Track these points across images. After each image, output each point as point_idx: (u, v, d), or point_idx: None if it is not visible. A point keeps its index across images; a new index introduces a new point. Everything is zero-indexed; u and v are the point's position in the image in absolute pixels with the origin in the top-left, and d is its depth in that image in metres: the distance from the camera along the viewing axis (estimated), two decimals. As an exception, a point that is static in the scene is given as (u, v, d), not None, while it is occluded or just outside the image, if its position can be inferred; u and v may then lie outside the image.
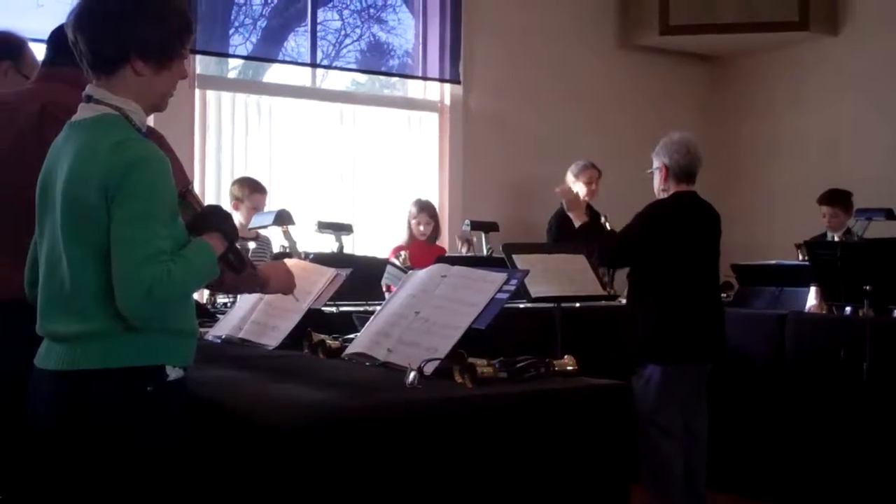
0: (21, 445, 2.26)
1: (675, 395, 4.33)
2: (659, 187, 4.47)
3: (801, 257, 5.62)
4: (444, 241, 6.97)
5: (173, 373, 2.08)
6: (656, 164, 4.47)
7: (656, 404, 4.28)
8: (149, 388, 2.03)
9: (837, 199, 6.35)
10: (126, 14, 2.06)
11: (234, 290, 3.09)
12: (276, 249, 5.30)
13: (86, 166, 2.00)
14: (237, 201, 5.80)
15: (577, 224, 4.61)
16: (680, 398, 4.35)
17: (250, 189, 5.84)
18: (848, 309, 4.97)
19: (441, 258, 5.09)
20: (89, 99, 2.11)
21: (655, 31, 7.86)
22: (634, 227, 4.38)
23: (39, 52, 3.12)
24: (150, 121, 2.23)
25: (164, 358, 2.07)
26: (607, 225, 4.95)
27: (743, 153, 8.34)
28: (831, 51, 7.77)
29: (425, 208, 6.37)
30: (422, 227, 6.31)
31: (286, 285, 2.65)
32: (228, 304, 4.21)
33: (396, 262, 5.12)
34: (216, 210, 2.25)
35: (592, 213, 6.17)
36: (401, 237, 6.44)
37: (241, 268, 2.24)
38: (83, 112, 2.12)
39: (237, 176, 6.38)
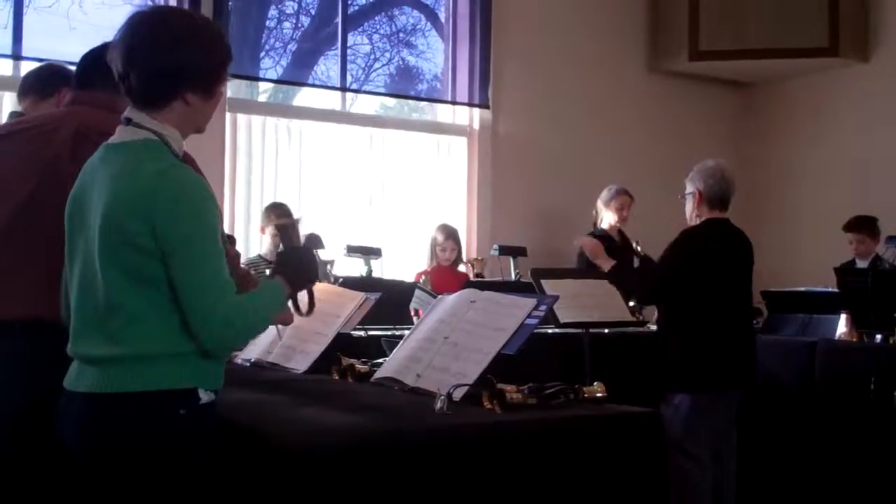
0: (49, 467, 2.26)
1: (705, 422, 4.29)
2: (691, 213, 4.43)
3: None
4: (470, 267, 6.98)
5: (205, 396, 2.07)
6: (690, 189, 4.44)
7: (686, 432, 4.24)
8: (182, 411, 2.03)
9: (863, 226, 6.30)
10: (179, 47, 2.07)
11: None
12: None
13: (128, 192, 2.01)
14: (263, 226, 5.87)
15: (605, 269, 4.54)
16: (710, 426, 4.31)
17: (276, 215, 5.89)
18: (878, 336, 4.93)
19: (469, 283, 5.10)
20: (129, 122, 2.11)
21: (685, 56, 7.85)
22: (668, 260, 4.34)
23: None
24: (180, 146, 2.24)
25: (197, 381, 2.06)
26: (639, 248, 4.91)
27: (772, 179, 8.30)
28: (862, 77, 7.73)
29: (451, 234, 6.38)
30: (447, 253, 6.32)
31: (286, 318, 2.75)
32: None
33: (424, 287, 5.12)
34: (305, 253, 2.32)
35: (624, 240, 6.17)
36: (425, 262, 6.45)
37: (308, 312, 2.30)
38: (122, 135, 2.12)
39: (267, 199, 6.43)
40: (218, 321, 2.00)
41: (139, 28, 2.09)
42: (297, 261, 2.28)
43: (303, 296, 2.33)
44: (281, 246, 2.38)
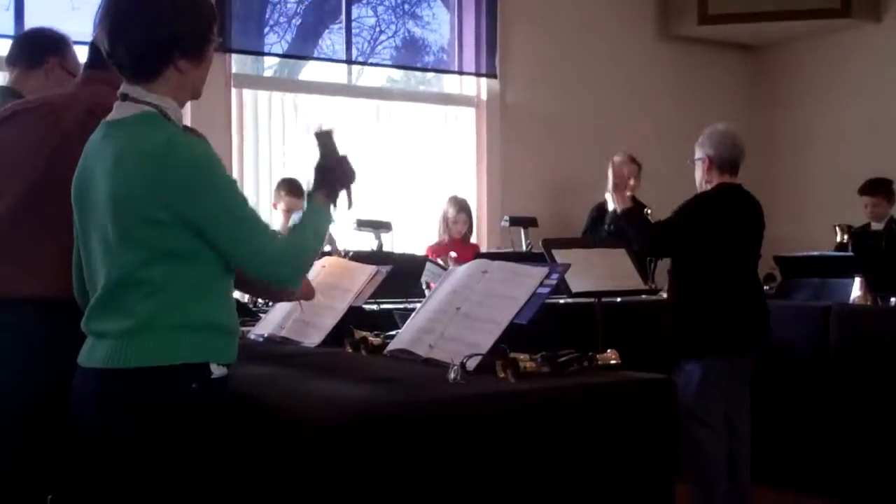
0: (66, 446, 2.26)
1: (718, 388, 4.28)
2: (702, 178, 4.41)
3: (838, 237, 5.57)
4: (482, 237, 6.97)
5: (217, 370, 2.07)
6: (699, 154, 4.41)
7: (698, 398, 4.23)
8: (194, 385, 2.03)
9: (878, 189, 6.27)
10: (162, 16, 2.05)
11: (266, 297, 3.12)
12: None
13: (136, 167, 2.00)
14: (275, 202, 5.88)
15: (619, 208, 4.52)
16: (722, 391, 4.30)
17: (286, 191, 5.89)
18: (893, 299, 4.90)
19: (480, 254, 5.08)
20: (125, 97, 2.10)
21: (694, 20, 7.80)
22: (677, 217, 4.33)
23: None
24: (188, 119, 2.23)
25: (209, 355, 2.06)
26: (650, 213, 4.88)
27: (784, 143, 8.25)
28: (874, 38, 7.67)
29: (463, 207, 6.35)
30: (458, 226, 6.29)
31: (307, 293, 2.84)
32: (270, 303, 4.21)
33: (438, 261, 5.10)
34: (344, 161, 2.33)
35: (636, 205, 6.13)
36: (435, 235, 6.42)
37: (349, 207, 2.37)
38: (120, 111, 2.11)
39: (275, 174, 6.42)
40: (268, 263, 2.09)
41: (119, 3, 2.08)
42: (338, 167, 2.31)
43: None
44: (319, 155, 2.37)
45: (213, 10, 2.18)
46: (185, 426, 2.02)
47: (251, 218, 2.08)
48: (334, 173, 2.29)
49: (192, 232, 2.02)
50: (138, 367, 2.01)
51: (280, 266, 2.11)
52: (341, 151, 2.35)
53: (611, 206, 4.92)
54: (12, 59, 3.22)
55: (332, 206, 2.28)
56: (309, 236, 2.19)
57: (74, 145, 2.39)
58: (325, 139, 2.35)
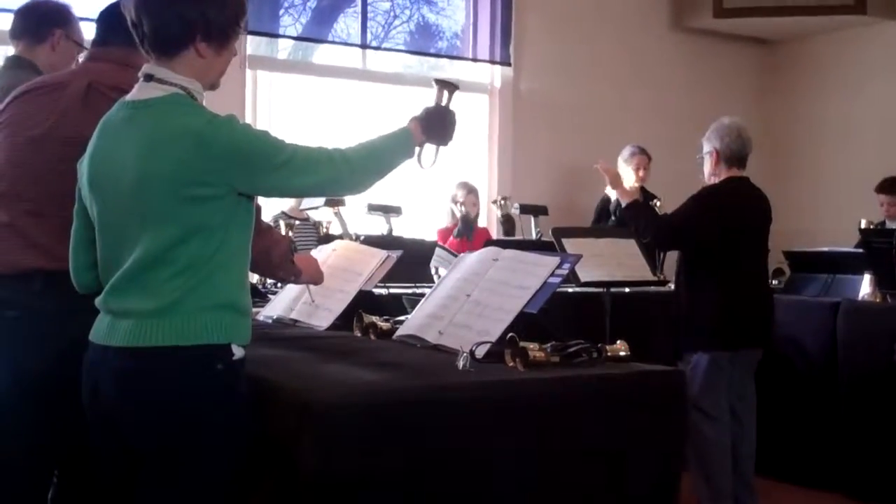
0: (75, 419, 2.26)
1: (723, 381, 4.29)
2: (709, 172, 4.41)
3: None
4: (492, 224, 6.96)
5: (238, 351, 2.08)
6: (707, 148, 4.41)
7: (703, 390, 4.24)
8: (219, 366, 2.04)
9: (895, 187, 6.26)
10: None
11: (271, 275, 3.14)
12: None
13: (180, 146, 2.00)
14: None
15: (623, 203, 4.53)
16: (727, 384, 4.31)
17: None
18: (903, 298, 4.90)
19: (490, 241, 5.09)
20: (150, 78, 2.09)
21: (709, 13, 7.76)
22: (684, 210, 4.32)
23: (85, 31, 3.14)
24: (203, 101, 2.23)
25: (231, 337, 2.07)
26: (658, 204, 4.88)
27: (797, 138, 8.22)
28: (888, 34, 7.64)
29: (472, 191, 6.35)
30: (468, 209, 6.27)
31: (316, 278, 2.88)
32: (279, 285, 4.22)
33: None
34: (452, 115, 2.45)
35: (645, 196, 6.13)
36: (445, 220, 6.41)
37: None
38: (146, 91, 2.09)
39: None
40: (330, 185, 2.28)
41: None
42: (441, 118, 2.40)
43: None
44: (435, 101, 2.46)
45: (243, 6, 2.18)
46: (212, 407, 2.03)
47: (300, 154, 2.20)
48: (440, 120, 2.38)
49: (239, 197, 2.07)
50: (164, 346, 2.01)
51: (344, 184, 2.27)
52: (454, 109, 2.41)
53: (613, 197, 4.89)
54: (17, 33, 3.20)
55: (416, 145, 2.36)
56: (377, 154, 2.31)
57: (69, 119, 2.39)
58: (449, 89, 2.42)
